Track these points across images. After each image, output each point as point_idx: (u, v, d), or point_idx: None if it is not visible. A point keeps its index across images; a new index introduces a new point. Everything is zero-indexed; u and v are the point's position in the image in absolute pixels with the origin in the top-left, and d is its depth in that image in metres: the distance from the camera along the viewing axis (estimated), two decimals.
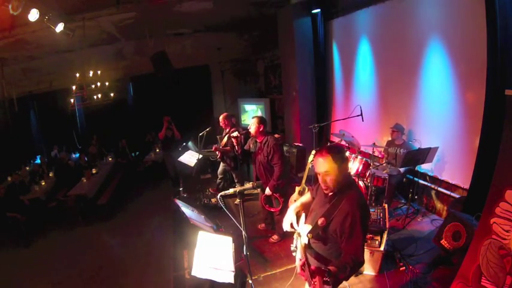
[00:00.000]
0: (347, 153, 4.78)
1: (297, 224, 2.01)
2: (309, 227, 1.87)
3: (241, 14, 6.70)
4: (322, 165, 1.76)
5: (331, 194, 1.84)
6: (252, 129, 3.62)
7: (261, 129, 3.61)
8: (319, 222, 1.79)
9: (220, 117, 4.96)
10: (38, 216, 5.56)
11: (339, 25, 6.13)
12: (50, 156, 8.07)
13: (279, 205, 3.72)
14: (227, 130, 4.96)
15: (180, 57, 7.69)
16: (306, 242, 1.85)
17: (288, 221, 2.02)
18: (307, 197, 2.17)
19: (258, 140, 3.71)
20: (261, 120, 3.64)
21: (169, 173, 6.66)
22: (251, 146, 3.89)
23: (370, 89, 5.45)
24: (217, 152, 5.04)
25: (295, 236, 2.01)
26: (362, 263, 1.75)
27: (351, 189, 1.82)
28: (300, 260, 1.89)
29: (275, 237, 3.95)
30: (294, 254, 2.05)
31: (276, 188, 3.59)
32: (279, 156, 3.54)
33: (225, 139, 4.91)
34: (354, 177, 4.47)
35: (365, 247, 3.05)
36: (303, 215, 2.04)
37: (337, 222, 1.76)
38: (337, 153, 1.77)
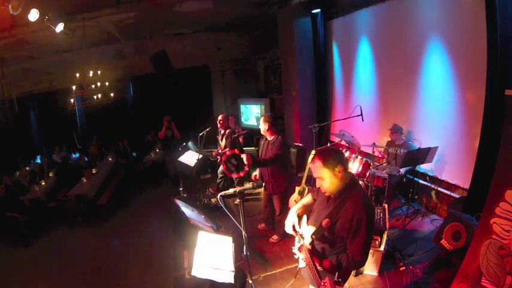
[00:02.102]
0: (347, 154, 4.78)
1: (299, 226, 2.00)
2: (312, 229, 1.86)
3: (241, 14, 6.71)
4: (315, 170, 1.79)
5: (334, 195, 1.83)
6: (261, 128, 3.63)
7: (269, 128, 3.61)
8: (324, 223, 1.78)
9: (220, 117, 4.95)
10: (38, 216, 5.55)
11: (339, 25, 6.13)
12: (51, 159, 8.05)
13: (242, 170, 3.66)
14: (222, 132, 4.95)
15: (180, 57, 7.69)
16: (309, 244, 1.85)
17: (289, 223, 2.02)
18: (308, 198, 2.16)
19: (268, 138, 3.70)
20: (268, 119, 3.63)
21: (169, 173, 6.66)
22: (261, 143, 3.87)
23: (370, 89, 5.45)
24: (217, 156, 5.03)
25: (297, 237, 2.00)
26: (359, 262, 1.74)
27: (355, 189, 1.81)
28: (304, 261, 1.90)
29: (275, 237, 3.95)
30: (295, 256, 2.05)
31: (254, 163, 3.38)
32: (277, 150, 3.49)
33: (224, 141, 4.90)
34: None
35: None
36: (305, 217, 2.04)
37: (342, 223, 1.76)
38: (328, 158, 1.75)
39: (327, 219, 1.78)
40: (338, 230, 1.78)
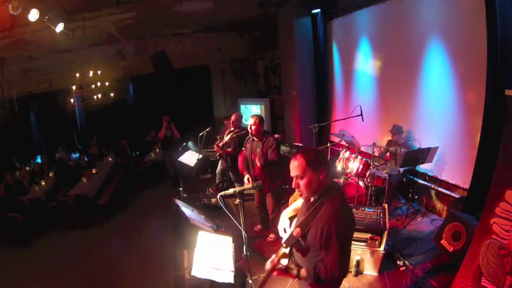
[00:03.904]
0: (347, 154, 4.77)
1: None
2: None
3: (241, 14, 6.70)
4: (295, 168, 1.66)
5: (311, 201, 1.72)
6: (253, 129, 3.59)
7: (261, 129, 3.61)
8: (294, 232, 1.69)
9: (233, 117, 4.89)
10: (38, 216, 5.55)
11: (339, 25, 6.13)
12: (54, 159, 8.05)
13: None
14: (231, 129, 4.93)
15: (180, 57, 7.69)
16: (287, 251, 1.76)
17: (281, 227, 1.96)
18: (300, 201, 2.07)
19: (256, 139, 3.67)
20: (261, 120, 3.63)
21: (169, 173, 6.66)
22: (247, 146, 3.82)
23: (370, 89, 5.45)
24: (216, 149, 5.02)
25: None
26: (337, 275, 1.61)
27: (331, 196, 1.66)
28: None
29: (272, 236, 3.94)
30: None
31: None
32: (275, 150, 3.53)
33: (228, 137, 4.89)
34: (352, 178, 4.46)
35: (362, 251, 3.05)
36: (294, 221, 1.98)
37: (314, 233, 1.63)
38: (312, 157, 1.64)
39: (298, 229, 1.67)
40: (310, 240, 1.65)
